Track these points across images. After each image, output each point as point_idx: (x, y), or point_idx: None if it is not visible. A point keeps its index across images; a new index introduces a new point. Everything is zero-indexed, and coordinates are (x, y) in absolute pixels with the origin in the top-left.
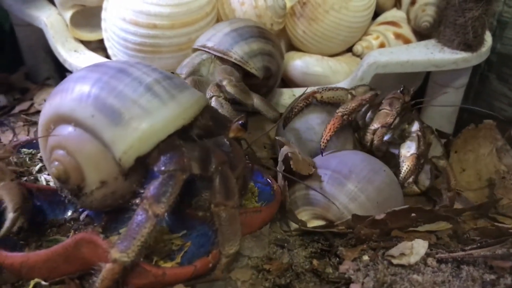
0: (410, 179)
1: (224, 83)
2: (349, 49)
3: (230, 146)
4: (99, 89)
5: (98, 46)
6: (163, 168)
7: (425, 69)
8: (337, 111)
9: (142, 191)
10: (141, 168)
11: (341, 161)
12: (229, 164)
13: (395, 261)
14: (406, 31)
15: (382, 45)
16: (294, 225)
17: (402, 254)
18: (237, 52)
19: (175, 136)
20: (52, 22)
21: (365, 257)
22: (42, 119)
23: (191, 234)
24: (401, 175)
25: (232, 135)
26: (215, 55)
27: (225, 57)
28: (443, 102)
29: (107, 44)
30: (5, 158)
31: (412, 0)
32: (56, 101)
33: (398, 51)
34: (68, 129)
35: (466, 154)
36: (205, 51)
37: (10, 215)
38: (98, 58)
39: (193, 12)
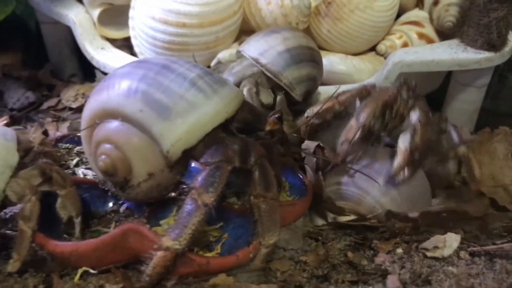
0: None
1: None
2: (372, 48)
3: (266, 140)
4: (146, 85)
5: (123, 44)
6: (209, 159)
7: (449, 69)
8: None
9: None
10: (185, 160)
11: (372, 157)
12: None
13: (429, 254)
14: (429, 31)
15: (405, 45)
16: (323, 221)
17: (436, 247)
18: (287, 77)
19: (219, 129)
20: (80, 20)
21: (399, 250)
22: (86, 114)
23: (228, 226)
24: (392, 171)
25: (269, 128)
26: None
27: (275, 79)
28: (465, 101)
29: (134, 42)
30: (50, 154)
31: (435, 0)
32: (103, 96)
33: (422, 50)
34: (115, 124)
35: (482, 156)
36: (257, 66)
37: (76, 221)
38: (125, 56)
39: (221, 11)
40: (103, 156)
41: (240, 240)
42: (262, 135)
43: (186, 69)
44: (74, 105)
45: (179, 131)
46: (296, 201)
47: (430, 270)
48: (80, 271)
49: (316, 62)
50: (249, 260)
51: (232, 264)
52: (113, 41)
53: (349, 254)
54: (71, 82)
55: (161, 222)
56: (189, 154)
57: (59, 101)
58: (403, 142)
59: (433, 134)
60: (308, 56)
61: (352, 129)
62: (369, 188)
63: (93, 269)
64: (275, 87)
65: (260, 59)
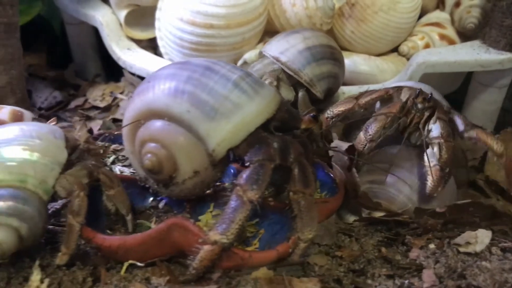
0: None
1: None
2: (394, 49)
3: (301, 139)
4: (193, 86)
5: (148, 45)
6: (253, 158)
7: (471, 69)
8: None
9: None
10: (227, 158)
11: (403, 157)
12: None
13: (461, 249)
14: (451, 32)
15: (427, 46)
16: (352, 217)
17: (468, 243)
18: (308, 74)
19: (260, 129)
20: (107, 21)
21: (432, 246)
22: (130, 113)
23: (263, 222)
24: (427, 190)
25: (304, 126)
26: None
27: (295, 76)
28: (486, 101)
29: (160, 43)
30: (95, 151)
31: (456, 2)
32: (148, 97)
33: (445, 51)
34: (162, 124)
35: None
36: (278, 64)
37: (128, 219)
38: (150, 56)
39: (248, 12)
40: (149, 155)
41: (277, 235)
42: (298, 133)
43: (228, 71)
44: (101, 104)
45: (224, 131)
46: (329, 198)
47: (464, 265)
48: (126, 264)
49: (337, 60)
50: (288, 254)
51: (272, 258)
52: (138, 42)
53: (383, 249)
54: (96, 82)
55: (200, 217)
56: (232, 152)
57: (86, 100)
58: (432, 161)
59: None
60: (329, 54)
61: (361, 142)
62: (402, 187)
63: (139, 262)
64: (297, 85)
65: (280, 58)
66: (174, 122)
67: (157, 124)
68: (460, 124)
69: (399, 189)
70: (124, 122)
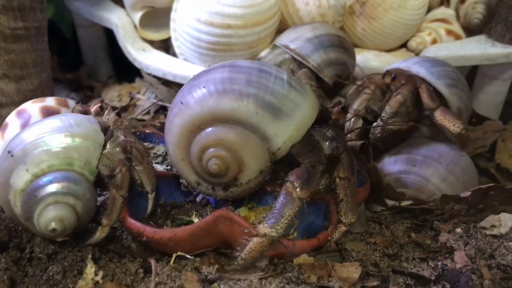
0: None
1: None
2: (402, 45)
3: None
4: (255, 89)
5: (160, 46)
6: (307, 159)
7: (479, 63)
8: None
9: None
10: None
11: (429, 148)
12: None
13: (488, 232)
14: (456, 27)
15: (434, 41)
16: (379, 207)
17: (493, 226)
18: (316, 60)
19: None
20: (123, 23)
21: (459, 230)
22: (186, 120)
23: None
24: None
25: (334, 117)
26: (294, 57)
27: (304, 62)
28: (491, 93)
29: (175, 43)
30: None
31: None
32: (209, 103)
33: (454, 46)
34: (227, 128)
35: None
36: (287, 52)
37: (150, 196)
38: (165, 57)
39: (263, 12)
40: (214, 160)
41: (313, 225)
42: (331, 123)
43: (277, 71)
44: (118, 105)
45: (289, 129)
46: (359, 188)
47: (492, 246)
48: (174, 255)
49: (346, 49)
50: (327, 242)
51: (314, 246)
52: (151, 43)
53: (413, 234)
54: (109, 83)
55: (237, 210)
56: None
57: (102, 101)
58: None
59: None
60: (337, 42)
61: (348, 118)
62: (430, 176)
63: (187, 253)
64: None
65: (290, 45)
66: (239, 125)
67: (222, 128)
68: (425, 102)
69: (428, 179)
70: (174, 131)
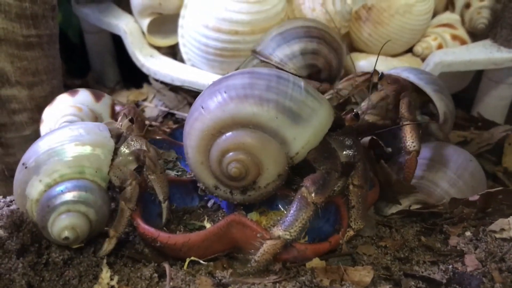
0: None
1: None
2: (408, 50)
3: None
4: (275, 94)
5: (167, 51)
6: (323, 165)
7: (484, 67)
8: None
9: None
10: None
11: (438, 153)
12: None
13: (497, 235)
14: (462, 32)
15: (440, 46)
16: (390, 210)
17: (502, 229)
18: (278, 56)
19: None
20: (131, 29)
21: (468, 233)
22: (207, 124)
23: None
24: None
25: (347, 124)
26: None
27: (267, 61)
28: (496, 97)
29: (183, 49)
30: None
31: (466, 3)
32: (230, 107)
33: (459, 51)
34: (248, 132)
35: None
36: (255, 56)
37: (164, 205)
38: (173, 62)
39: (270, 18)
40: (235, 163)
41: (324, 229)
42: (345, 130)
43: (294, 78)
44: (127, 110)
45: (307, 134)
46: (369, 192)
47: (503, 249)
48: (188, 260)
49: (313, 36)
50: (339, 245)
51: (326, 250)
52: (158, 49)
53: (423, 238)
54: (117, 88)
55: (249, 214)
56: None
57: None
58: None
59: None
60: (302, 33)
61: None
62: (439, 181)
63: (200, 258)
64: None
65: (256, 48)
66: (259, 129)
67: (243, 133)
68: (402, 111)
69: (437, 183)
70: (195, 134)
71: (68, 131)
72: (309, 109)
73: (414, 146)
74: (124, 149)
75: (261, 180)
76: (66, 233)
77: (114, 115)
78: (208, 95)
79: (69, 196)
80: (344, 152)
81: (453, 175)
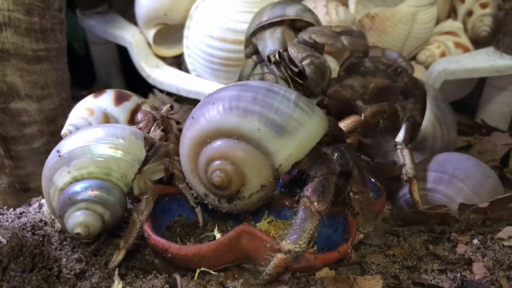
0: None
1: (313, 36)
2: (412, 58)
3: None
4: (260, 107)
5: (172, 62)
6: (319, 172)
7: (488, 75)
8: None
9: None
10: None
11: (457, 167)
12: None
13: (505, 243)
14: (465, 40)
15: (443, 54)
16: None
17: (510, 237)
18: (292, 10)
19: (319, 144)
20: (137, 41)
21: (475, 241)
22: (195, 134)
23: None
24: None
25: (349, 141)
26: (272, 24)
27: (284, 18)
28: (500, 103)
29: (188, 59)
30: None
31: (468, 11)
32: (215, 118)
33: (463, 59)
34: (231, 142)
35: None
36: (261, 26)
37: (197, 210)
38: (179, 73)
39: None
40: (218, 172)
41: (333, 238)
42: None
43: (286, 91)
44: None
45: (291, 147)
46: (376, 200)
47: (510, 257)
48: (198, 271)
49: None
50: (348, 254)
51: (335, 259)
52: (163, 59)
53: (430, 246)
54: None
55: (258, 224)
56: (295, 166)
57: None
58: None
59: None
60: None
61: None
62: (455, 196)
63: (210, 269)
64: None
65: (262, 19)
66: (243, 140)
67: (226, 143)
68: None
69: (453, 199)
70: (185, 143)
71: (106, 131)
72: (295, 122)
73: (410, 173)
74: (155, 158)
75: (245, 191)
76: (79, 230)
77: (133, 121)
78: (200, 106)
79: (91, 194)
80: (337, 161)
81: (469, 191)
